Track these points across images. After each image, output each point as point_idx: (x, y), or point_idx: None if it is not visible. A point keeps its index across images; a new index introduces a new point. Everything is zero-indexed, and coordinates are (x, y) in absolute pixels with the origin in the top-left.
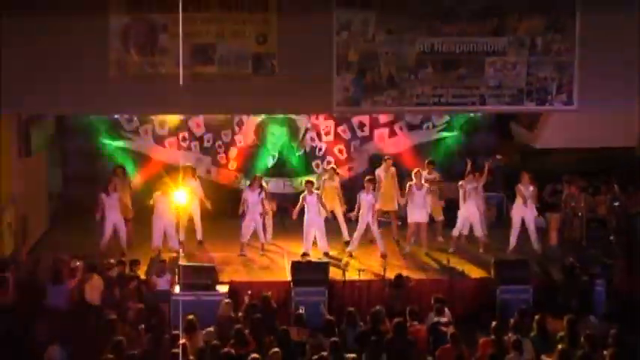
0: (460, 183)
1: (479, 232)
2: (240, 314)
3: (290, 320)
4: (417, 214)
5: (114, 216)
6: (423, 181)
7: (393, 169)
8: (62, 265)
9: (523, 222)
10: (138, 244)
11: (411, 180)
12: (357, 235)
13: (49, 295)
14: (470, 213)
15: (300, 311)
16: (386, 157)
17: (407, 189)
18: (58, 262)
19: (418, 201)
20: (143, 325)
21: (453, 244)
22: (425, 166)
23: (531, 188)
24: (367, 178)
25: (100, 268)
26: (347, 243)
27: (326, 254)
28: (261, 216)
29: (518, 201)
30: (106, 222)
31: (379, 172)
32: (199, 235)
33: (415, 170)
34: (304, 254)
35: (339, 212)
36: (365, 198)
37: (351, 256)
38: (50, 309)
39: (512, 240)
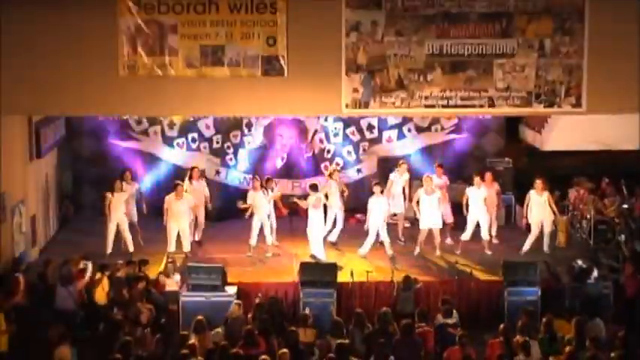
0: (467, 190)
1: (485, 234)
2: (249, 315)
3: (299, 321)
4: (429, 220)
5: (117, 216)
6: (433, 186)
7: (407, 174)
8: (71, 266)
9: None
10: (147, 245)
11: (421, 184)
12: (369, 239)
13: (57, 296)
14: (478, 217)
15: (306, 312)
16: (401, 162)
17: (415, 195)
18: (67, 263)
19: (429, 206)
20: (152, 326)
21: (460, 247)
22: (434, 170)
23: (546, 194)
24: (375, 182)
25: (109, 268)
26: (334, 244)
27: (312, 257)
28: (268, 217)
29: (534, 207)
30: (109, 222)
31: (393, 176)
32: (198, 236)
33: (425, 175)
34: (313, 255)
35: (340, 215)
36: (375, 202)
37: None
38: (59, 310)
39: (527, 245)
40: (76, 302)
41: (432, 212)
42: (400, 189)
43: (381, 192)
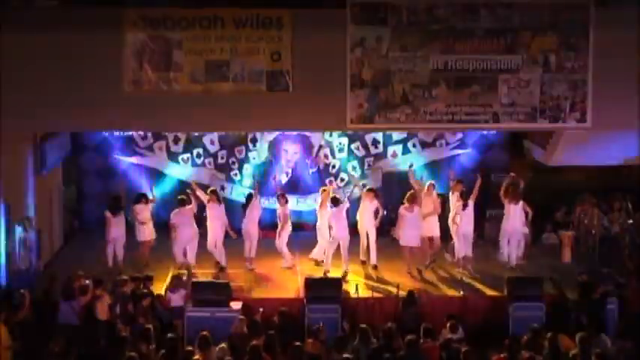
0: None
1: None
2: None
3: (304, 336)
4: (407, 237)
5: (117, 233)
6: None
7: (434, 192)
8: (73, 281)
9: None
10: (151, 261)
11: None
12: (362, 247)
13: (60, 311)
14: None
15: (320, 325)
16: (430, 182)
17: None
18: (69, 279)
19: (410, 224)
20: (156, 342)
21: (461, 264)
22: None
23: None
24: (367, 188)
25: (110, 284)
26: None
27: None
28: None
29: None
30: (109, 239)
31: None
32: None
33: (408, 194)
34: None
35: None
36: (365, 208)
37: (375, 268)
38: (62, 325)
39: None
40: (79, 317)
41: (412, 229)
42: (427, 208)
43: (375, 197)
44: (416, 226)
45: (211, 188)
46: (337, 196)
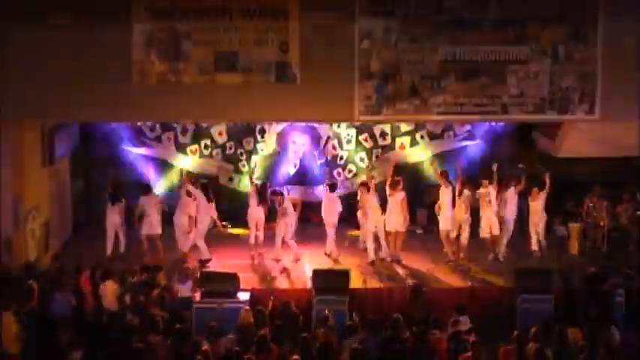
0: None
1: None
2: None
3: (311, 327)
4: (393, 222)
5: (114, 221)
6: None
7: (450, 186)
8: (81, 272)
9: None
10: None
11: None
12: (369, 241)
13: (52, 302)
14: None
15: (326, 313)
16: (441, 172)
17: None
18: (76, 269)
19: (393, 209)
20: (165, 332)
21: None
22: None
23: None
24: (360, 181)
25: (120, 274)
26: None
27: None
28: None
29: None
30: (108, 228)
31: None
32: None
33: (389, 181)
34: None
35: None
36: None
37: (373, 264)
38: (52, 317)
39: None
40: (72, 308)
41: (396, 215)
42: (449, 200)
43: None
44: (398, 211)
45: (201, 181)
46: (336, 182)
